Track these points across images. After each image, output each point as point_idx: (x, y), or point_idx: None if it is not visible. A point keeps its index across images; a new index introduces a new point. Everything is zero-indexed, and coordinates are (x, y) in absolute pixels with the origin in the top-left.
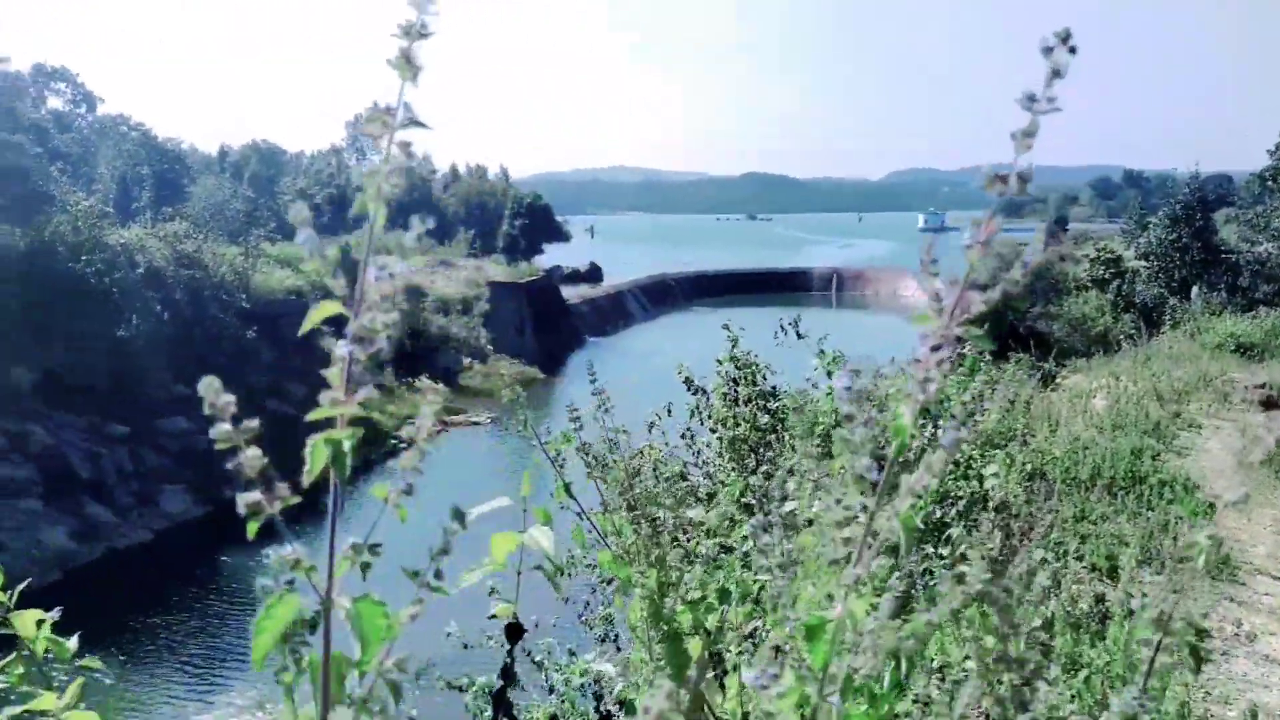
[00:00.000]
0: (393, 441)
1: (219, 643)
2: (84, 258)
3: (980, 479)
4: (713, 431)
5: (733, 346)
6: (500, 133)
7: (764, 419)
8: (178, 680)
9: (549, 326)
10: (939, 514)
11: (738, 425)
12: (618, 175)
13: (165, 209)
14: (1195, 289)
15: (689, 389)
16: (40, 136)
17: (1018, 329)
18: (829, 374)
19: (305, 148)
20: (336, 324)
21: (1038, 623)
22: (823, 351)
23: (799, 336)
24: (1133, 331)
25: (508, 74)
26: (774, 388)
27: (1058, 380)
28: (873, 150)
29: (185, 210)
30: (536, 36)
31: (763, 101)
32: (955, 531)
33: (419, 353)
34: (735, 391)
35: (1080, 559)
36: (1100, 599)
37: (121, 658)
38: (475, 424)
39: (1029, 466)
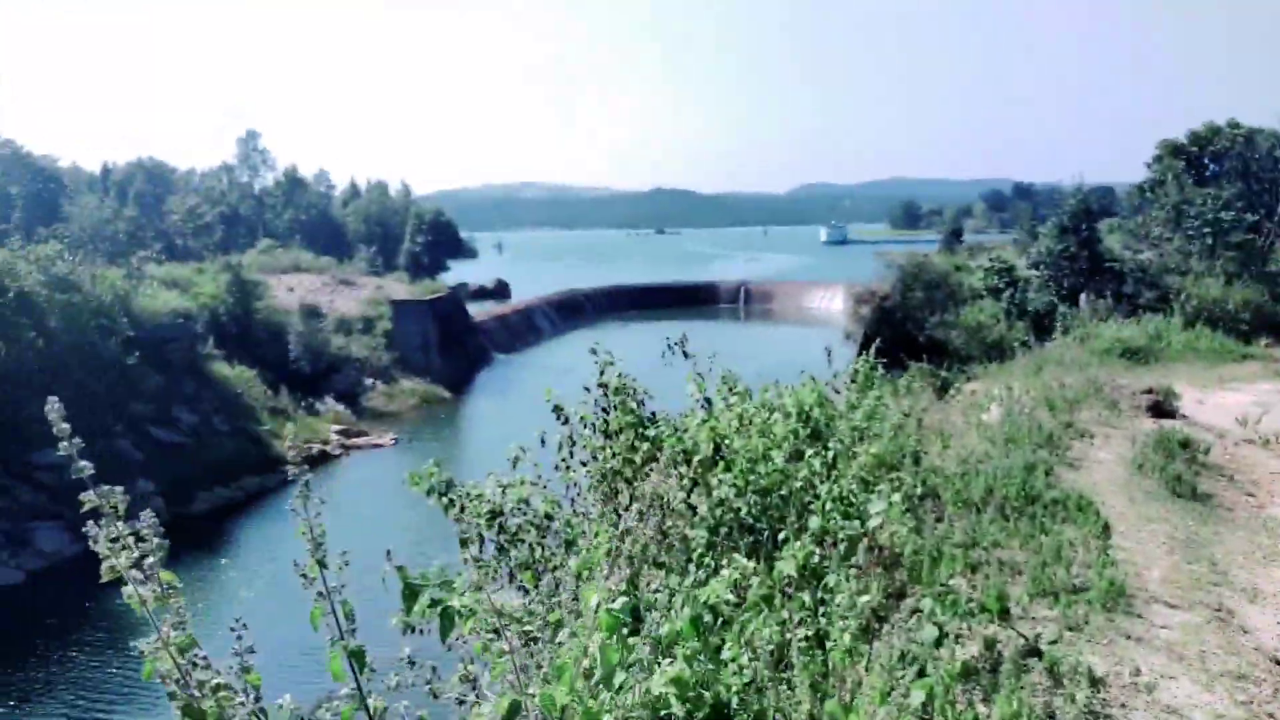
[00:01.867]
0: (286, 467)
1: (94, 685)
2: None
3: (862, 519)
4: (583, 465)
5: (601, 373)
6: (403, 149)
7: (643, 448)
8: None
9: (455, 344)
10: (818, 557)
11: (613, 457)
12: (525, 192)
13: (39, 230)
14: (1083, 296)
15: (558, 418)
16: None
17: (917, 338)
18: (707, 400)
19: (196, 164)
20: (227, 346)
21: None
22: (700, 375)
23: (685, 356)
24: (1025, 339)
25: (411, 89)
26: (653, 414)
27: (956, 388)
28: (776, 166)
29: (61, 231)
30: (439, 52)
31: (669, 119)
32: (832, 579)
33: (318, 373)
34: (605, 421)
35: (969, 601)
36: (991, 644)
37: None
38: (379, 446)
39: (919, 489)
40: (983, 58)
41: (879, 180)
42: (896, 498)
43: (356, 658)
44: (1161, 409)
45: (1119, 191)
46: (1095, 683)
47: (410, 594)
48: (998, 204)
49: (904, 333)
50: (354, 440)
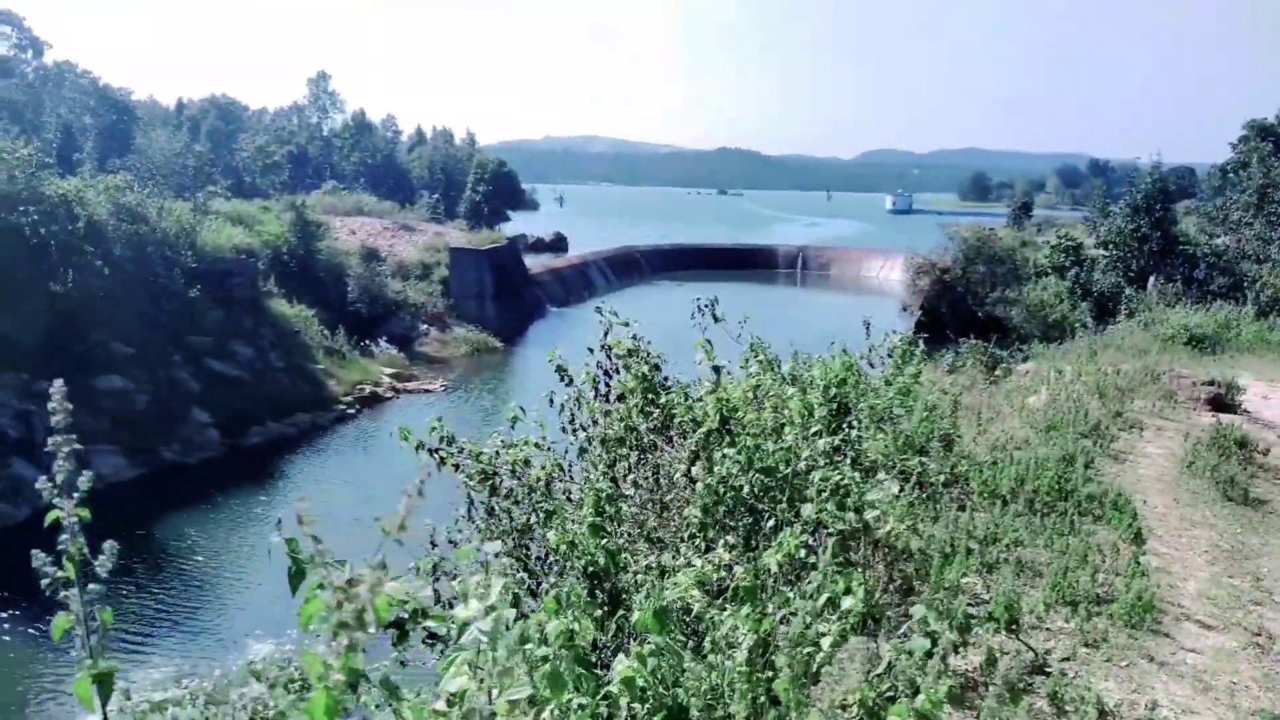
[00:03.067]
0: (340, 407)
1: (150, 605)
2: (19, 209)
3: (859, 509)
4: (582, 430)
5: (605, 333)
6: (468, 99)
7: (653, 414)
8: (109, 642)
9: (510, 295)
10: (806, 551)
11: (617, 423)
12: (590, 146)
13: (111, 161)
14: (1152, 279)
15: (562, 379)
16: None
17: (975, 314)
18: (715, 368)
19: (267, 104)
20: (288, 284)
21: None
22: (709, 341)
23: (715, 319)
24: (1087, 320)
25: (480, 39)
26: (666, 379)
27: (1006, 368)
28: (845, 130)
29: (132, 162)
30: (510, 2)
31: (737, 77)
32: (816, 578)
33: (375, 317)
34: (607, 384)
35: (977, 605)
36: (993, 659)
37: (49, 618)
38: (428, 391)
39: (943, 476)
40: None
41: (950, 150)
42: (894, 488)
43: (103, 682)
44: (1222, 403)
45: (1200, 173)
46: (1104, 715)
47: (298, 573)
48: (1072, 180)
49: (963, 307)
50: (405, 384)
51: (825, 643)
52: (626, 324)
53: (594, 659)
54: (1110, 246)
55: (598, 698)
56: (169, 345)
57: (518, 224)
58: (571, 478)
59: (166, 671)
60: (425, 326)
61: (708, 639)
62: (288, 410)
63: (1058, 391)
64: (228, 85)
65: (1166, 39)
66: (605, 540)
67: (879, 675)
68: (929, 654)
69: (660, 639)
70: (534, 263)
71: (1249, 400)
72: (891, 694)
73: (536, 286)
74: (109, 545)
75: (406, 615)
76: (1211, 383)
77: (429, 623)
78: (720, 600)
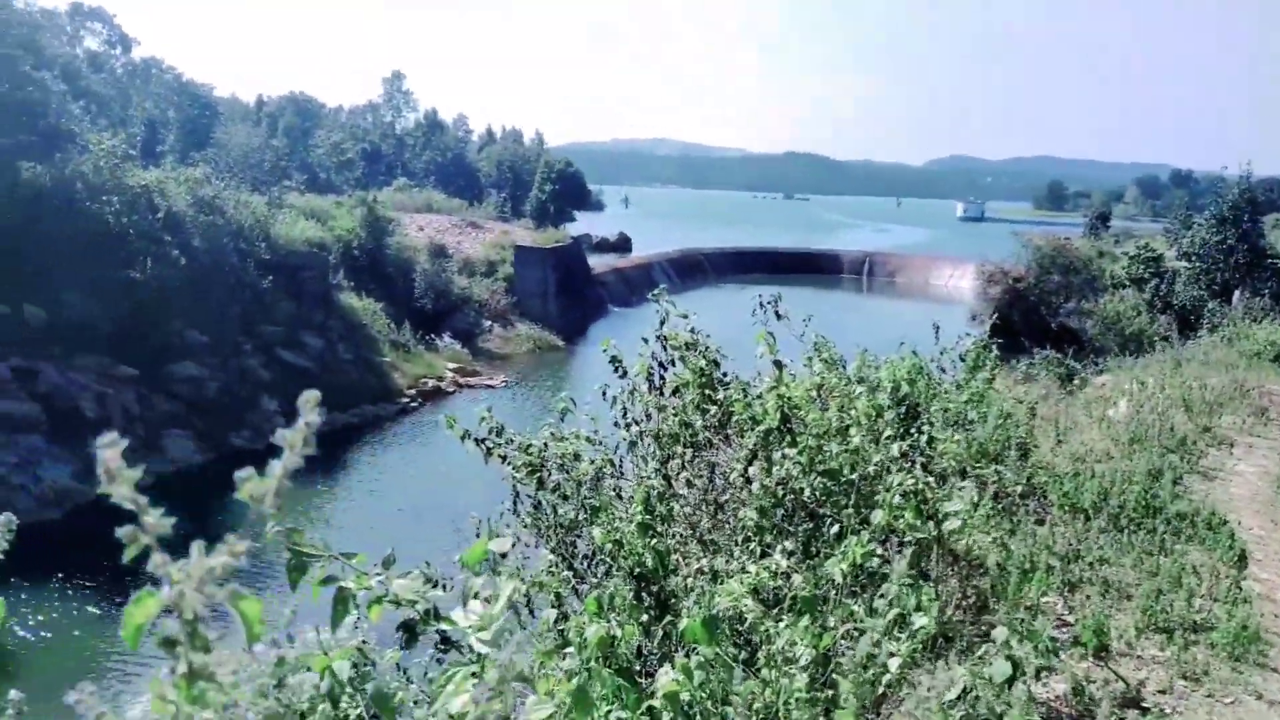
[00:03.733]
0: (403, 400)
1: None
2: (103, 198)
3: (937, 519)
4: (634, 424)
5: (661, 323)
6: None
7: (711, 411)
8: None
9: (573, 293)
10: (878, 560)
11: (672, 418)
12: (656, 148)
13: (192, 154)
14: (1237, 293)
15: (616, 371)
16: (70, 76)
17: (1049, 324)
18: (776, 363)
19: (343, 102)
20: (357, 278)
21: None
22: (771, 334)
23: (778, 317)
24: (1167, 334)
25: (550, 41)
26: (725, 375)
27: (1081, 380)
28: (914, 136)
29: (211, 156)
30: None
31: (805, 81)
32: (891, 589)
33: (440, 312)
34: (662, 377)
35: (1060, 627)
36: (1080, 689)
37: (117, 598)
38: (490, 386)
39: (1020, 487)
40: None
41: (1024, 157)
42: (974, 494)
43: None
44: None
45: None
46: None
47: (298, 565)
48: (1152, 190)
49: (1036, 318)
50: (467, 379)
51: (894, 664)
52: (685, 315)
53: (638, 667)
54: (1193, 258)
55: (638, 712)
56: (241, 335)
57: (583, 224)
58: (622, 474)
59: (222, 658)
60: (489, 323)
61: (762, 653)
62: (353, 401)
63: (1140, 404)
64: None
65: (1253, 43)
66: (654, 540)
67: (953, 702)
68: (1010, 681)
69: (709, 650)
70: (598, 262)
71: None
72: None
73: (599, 286)
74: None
75: (418, 616)
76: None
77: (443, 626)
78: (776, 611)
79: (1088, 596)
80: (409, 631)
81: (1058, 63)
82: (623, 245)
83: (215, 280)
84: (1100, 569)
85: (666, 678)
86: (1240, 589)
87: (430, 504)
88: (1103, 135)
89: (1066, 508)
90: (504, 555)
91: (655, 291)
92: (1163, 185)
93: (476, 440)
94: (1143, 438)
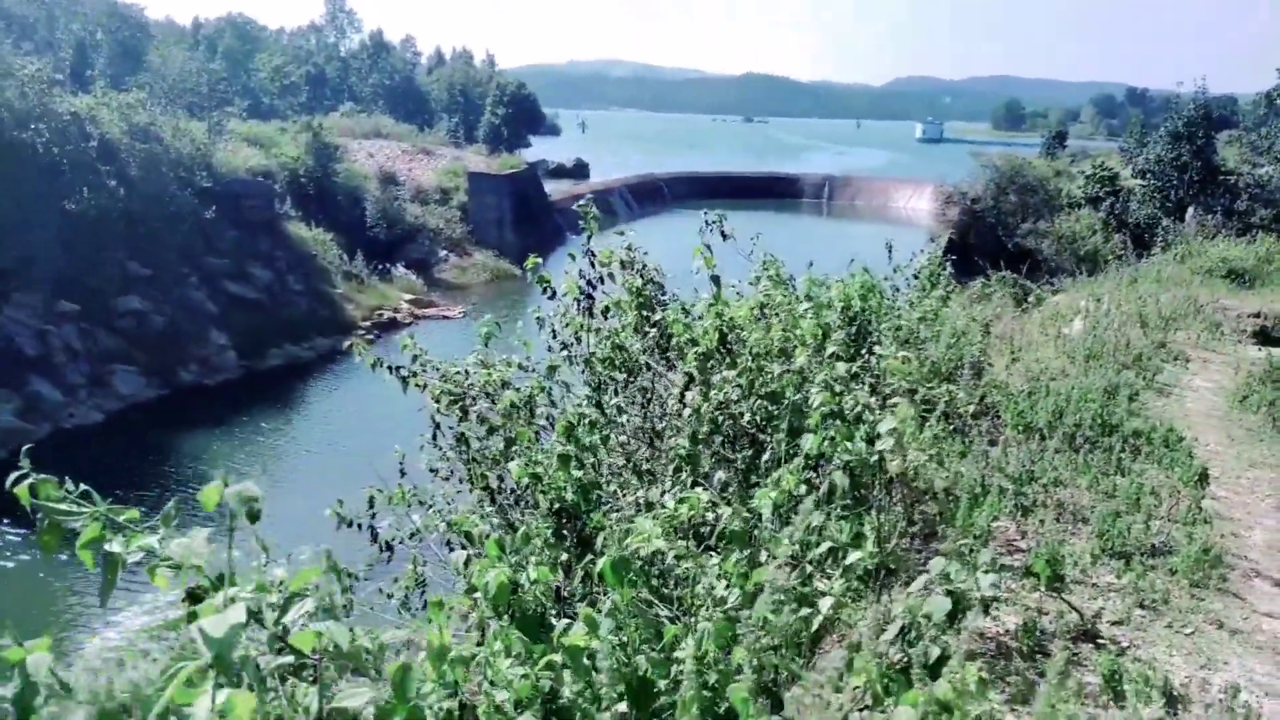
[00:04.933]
0: (358, 332)
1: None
2: (31, 127)
3: (870, 439)
4: (564, 349)
5: (588, 237)
6: (489, 20)
7: (650, 334)
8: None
9: (529, 221)
10: (806, 488)
11: (603, 341)
12: (612, 70)
13: (125, 79)
14: (1190, 210)
15: (545, 292)
16: None
17: (1006, 245)
18: (714, 278)
19: (284, 24)
20: (305, 208)
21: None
22: (709, 247)
23: (724, 237)
24: (1122, 252)
25: None
26: (663, 291)
27: (1036, 299)
28: (874, 57)
29: (145, 81)
30: None
31: (762, 1)
32: (816, 519)
33: (393, 242)
34: (590, 297)
35: (1008, 554)
36: (1031, 626)
37: (68, 535)
38: (447, 317)
39: (971, 407)
40: None
41: (982, 77)
42: (909, 411)
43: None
44: (1269, 336)
45: (1242, 103)
46: (1173, 701)
47: (52, 527)
48: (1108, 109)
49: (992, 238)
50: (424, 310)
51: (824, 604)
52: (622, 232)
53: (556, 614)
54: (1148, 176)
55: (537, 668)
56: (185, 267)
57: (538, 149)
58: (554, 403)
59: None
60: (444, 253)
61: (688, 595)
62: (305, 334)
63: (1096, 320)
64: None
65: None
66: (582, 473)
67: (890, 644)
68: (952, 616)
69: (622, 595)
70: (554, 189)
71: None
72: (905, 665)
73: (556, 213)
74: None
75: (205, 584)
76: (1257, 315)
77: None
78: (703, 547)
79: (1041, 521)
80: (194, 600)
81: None
82: (580, 171)
83: (154, 211)
84: (1055, 491)
85: (575, 631)
86: (1200, 509)
87: (388, 441)
88: (1061, 54)
89: (1020, 427)
90: (254, 501)
91: (581, 203)
92: (1119, 104)
93: (390, 369)
94: (1098, 354)
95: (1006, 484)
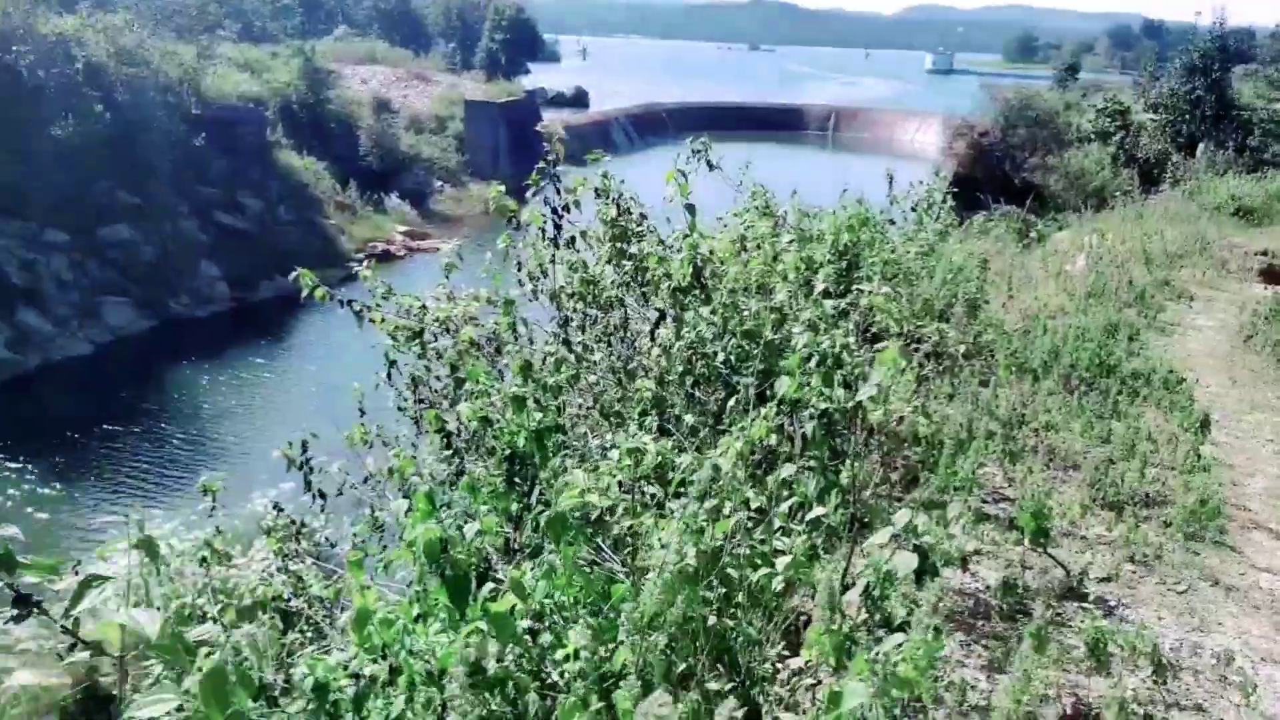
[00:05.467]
0: (350, 264)
1: (160, 455)
2: (14, 49)
3: (850, 384)
4: (531, 281)
5: (553, 161)
6: None
7: (625, 268)
8: (116, 492)
9: (527, 151)
10: (778, 437)
11: (571, 274)
12: None
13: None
14: (1201, 146)
15: (510, 223)
16: None
17: (1013, 180)
18: (688, 206)
19: None
20: (297, 136)
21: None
22: (684, 173)
23: (710, 167)
24: (1129, 188)
25: None
26: (642, 221)
27: (1041, 235)
28: None
29: (130, 2)
30: None
31: None
32: (787, 471)
33: (386, 171)
34: (557, 225)
35: (991, 501)
36: (1011, 584)
37: (59, 466)
38: (440, 250)
39: (964, 347)
40: None
41: (997, 6)
42: (908, 359)
43: None
44: (1277, 274)
45: (1260, 37)
46: (1160, 669)
47: None
48: (1123, 42)
49: (999, 173)
50: (418, 243)
51: (781, 563)
52: (598, 159)
53: (501, 570)
54: (1160, 110)
55: (464, 634)
56: (175, 196)
57: (537, 76)
58: (530, 341)
59: (167, 525)
60: (439, 183)
61: (641, 555)
62: (296, 266)
63: (1099, 256)
64: None
65: None
66: (543, 416)
67: (854, 605)
68: (920, 575)
69: (565, 554)
70: (553, 118)
71: None
72: (868, 629)
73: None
74: None
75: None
76: (1264, 252)
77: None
78: (659, 500)
79: (1030, 469)
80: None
81: None
82: (579, 100)
83: (142, 137)
84: (1046, 436)
85: (504, 599)
86: (1199, 456)
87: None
88: None
89: (1013, 368)
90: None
91: (542, 126)
92: (1135, 36)
93: (342, 302)
94: (1100, 292)
95: (995, 427)
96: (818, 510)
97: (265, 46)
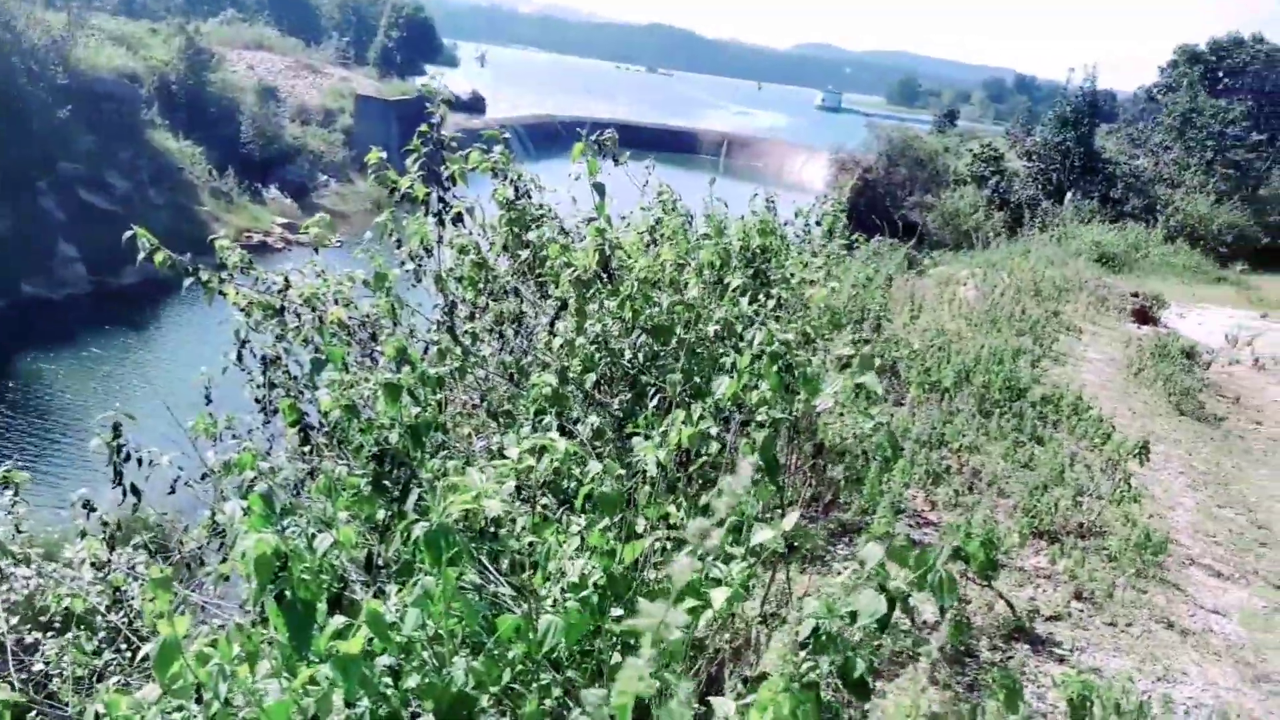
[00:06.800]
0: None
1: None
2: None
3: (787, 386)
4: (414, 264)
5: (433, 125)
6: None
7: (522, 256)
8: None
9: None
10: (706, 446)
11: (460, 257)
12: (519, 5)
13: None
14: (1069, 194)
15: (391, 194)
16: None
17: (893, 217)
18: (597, 186)
19: None
20: (174, 117)
21: None
22: (597, 144)
23: (616, 162)
24: (1001, 230)
25: None
26: (539, 208)
27: (922, 270)
28: (781, 19)
29: None
30: None
31: None
32: (733, 483)
33: (268, 161)
34: (441, 199)
35: (930, 524)
36: (962, 624)
37: None
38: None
39: (878, 361)
40: None
41: (882, 51)
42: (847, 346)
43: None
44: (1146, 316)
45: (1120, 99)
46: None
47: None
48: (998, 94)
49: (881, 208)
50: (298, 235)
51: (719, 597)
52: (496, 134)
53: (360, 589)
54: (1034, 157)
55: (299, 682)
56: (34, 170)
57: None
58: (412, 332)
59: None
60: (325, 177)
61: (538, 576)
62: (167, 250)
63: (993, 286)
64: None
65: None
66: (420, 411)
67: (801, 651)
68: (884, 622)
69: (445, 578)
70: (448, 122)
71: (1166, 318)
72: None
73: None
74: None
75: None
76: (1136, 295)
77: None
78: (563, 512)
79: (958, 491)
80: None
81: None
82: (476, 105)
83: (1, 107)
84: (966, 457)
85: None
86: (1129, 485)
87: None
88: (959, 37)
89: (926, 387)
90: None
91: (423, 83)
92: (1007, 90)
93: (187, 269)
94: (996, 319)
95: (914, 449)
96: (763, 533)
97: (145, 22)
